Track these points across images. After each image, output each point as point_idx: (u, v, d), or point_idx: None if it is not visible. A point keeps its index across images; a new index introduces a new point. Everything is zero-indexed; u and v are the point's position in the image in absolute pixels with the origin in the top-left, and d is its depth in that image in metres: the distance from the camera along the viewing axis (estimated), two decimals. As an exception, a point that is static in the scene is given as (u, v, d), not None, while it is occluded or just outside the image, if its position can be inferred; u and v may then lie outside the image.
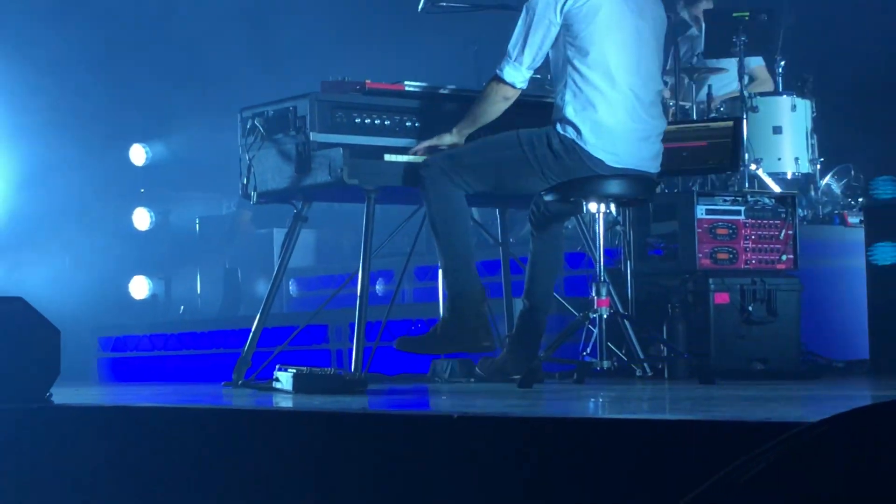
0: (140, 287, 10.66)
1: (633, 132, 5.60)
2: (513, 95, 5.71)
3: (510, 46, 5.64)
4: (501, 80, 5.67)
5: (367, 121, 6.07)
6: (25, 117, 10.08)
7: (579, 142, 5.55)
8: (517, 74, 5.65)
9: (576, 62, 5.55)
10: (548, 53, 5.65)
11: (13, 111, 10.13)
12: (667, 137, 5.87)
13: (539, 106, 6.03)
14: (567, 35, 5.56)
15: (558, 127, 5.59)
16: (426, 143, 5.87)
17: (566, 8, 5.52)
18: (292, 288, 9.61)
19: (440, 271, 5.90)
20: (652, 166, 5.72)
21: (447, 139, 5.84)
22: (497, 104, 5.72)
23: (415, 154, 5.87)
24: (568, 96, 5.58)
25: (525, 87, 5.73)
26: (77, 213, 10.44)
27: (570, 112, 5.56)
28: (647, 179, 5.71)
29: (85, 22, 10.07)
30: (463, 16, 6.79)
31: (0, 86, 10.02)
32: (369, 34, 10.28)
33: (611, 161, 5.57)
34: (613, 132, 5.55)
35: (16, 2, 9.99)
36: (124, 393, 6.37)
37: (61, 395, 4.65)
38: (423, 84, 6.19)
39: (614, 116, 5.55)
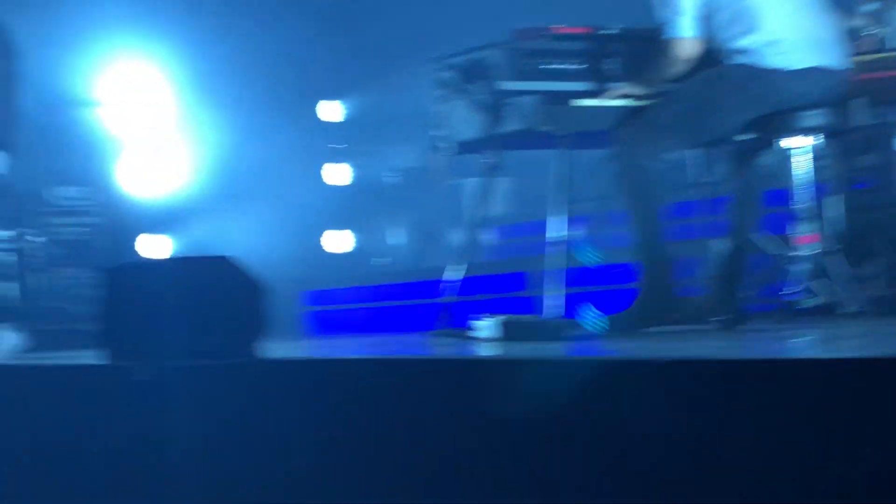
0: (337, 240, 10.82)
1: (804, 26, 5.63)
2: (694, 46, 5.67)
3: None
4: (677, 38, 5.63)
5: (557, 66, 6.02)
6: (222, 81, 10.31)
7: (755, 62, 5.49)
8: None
9: None
10: None
11: (212, 76, 10.37)
12: (872, 66, 5.72)
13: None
14: None
15: (734, 59, 5.54)
16: (618, 91, 5.82)
17: None
18: (490, 236, 9.63)
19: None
20: (835, 59, 5.63)
21: (629, 89, 5.79)
22: (680, 59, 5.68)
23: (608, 98, 5.82)
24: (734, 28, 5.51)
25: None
26: (275, 170, 10.64)
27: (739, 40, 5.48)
28: (834, 77, 5.60)
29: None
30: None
31: (196, 51, 10.26)
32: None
33: (791, 63, 5.51)
34: (781, 36, 5.52)
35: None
36: (330, 346, 6.48)
37: (269, 350, 4.74)
38: (616, 26, 6.12)
39: (780, 23, 5.52)
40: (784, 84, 5.52)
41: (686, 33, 5.63)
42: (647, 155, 5.60)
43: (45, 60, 9.84)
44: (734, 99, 5.54)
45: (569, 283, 6.23)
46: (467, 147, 6.25)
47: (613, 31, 6.09)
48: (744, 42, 5.56)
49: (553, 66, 6.01)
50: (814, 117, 5.48)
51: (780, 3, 5.57)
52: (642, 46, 6.04)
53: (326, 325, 9.25)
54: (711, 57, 5.84)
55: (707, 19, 5.73)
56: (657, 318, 5.60)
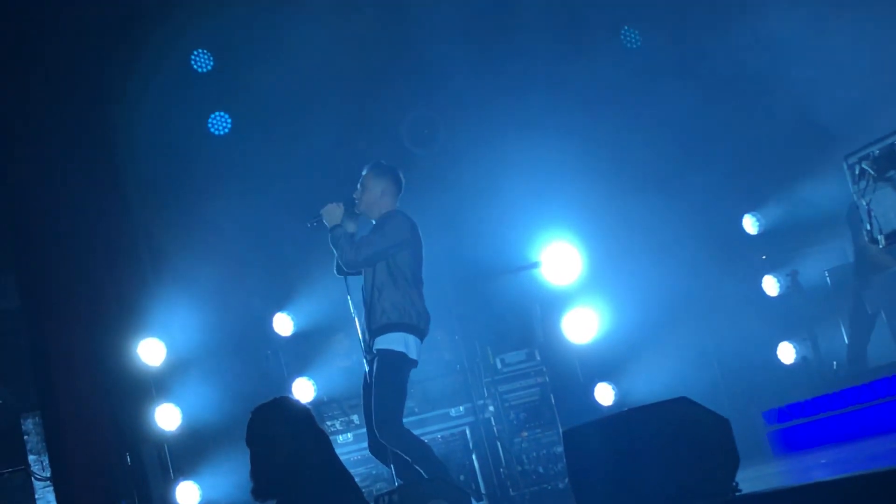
0: (788, 352, 10.63)
1: None
2: None
3: None
4: None
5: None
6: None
7: None
8: None
9: None
10: None
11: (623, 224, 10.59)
12: None
13: None
14: None
15: None
16: None
17: None
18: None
19: None
20: None
21: None
22: None
23: None
24: None
25: None
26: (706, 295, 10.63)
27: None
28: None
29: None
30: None
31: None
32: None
33: None
34: None
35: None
36: (802, 467, 6.30)
37: (745, 481, 4.68)
38: None
39: None
40: None
41: None
42: None
43: (484, 235, 10.37)
44: None
45: None
46: (903, 235, 6.05)
47: None
48: None
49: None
50: None
51: None
52: None
53: (794, 440, 9.02)
54: None
55: None
56: None
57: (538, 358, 10.32)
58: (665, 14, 10.84)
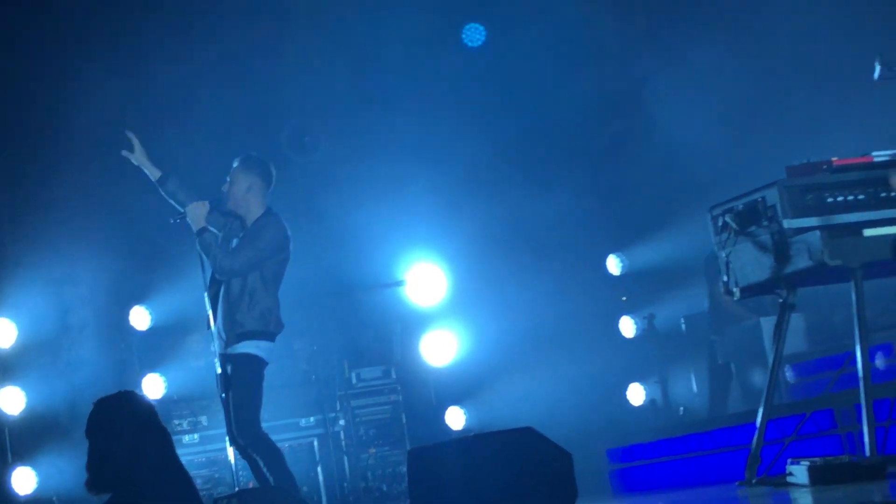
0: (637, 394, 10.79)
1: None
2: None
3: None
4: None
5: (840, 198, 5.93)
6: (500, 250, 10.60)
7: None
8: None
9: None
10: None
11: (490, 251, 10.68)
12: None
13: None
14: None
15: None
16: None
17: None
18: (789, 375, 9.42)
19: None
20: None
21: None
22: None
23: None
24: None
25: None
26: (564, 331, 10.75)
27: None
28: None
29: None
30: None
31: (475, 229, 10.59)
32: (821, 110, 10.08)
33: None
34: None
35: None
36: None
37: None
38: (893, 151, 6.00)
39: None
40: None
41: None
42: None
43: (351, 248, 10.34)
44: None
45: (880, 417, 6.04)
46: (756, 289, 6.19)
47: (894, 158, 5.96)
48: None
49: (836, 199, 5.91)
50: None
51: None
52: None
53: (634, 481, 9.16)
54: None
55: None
56: None
57: (394, 376, 10.34)
58: (534, 48, 10.94)
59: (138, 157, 7.60)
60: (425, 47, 10.83)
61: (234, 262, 7.35)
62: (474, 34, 10.97)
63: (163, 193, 7.62)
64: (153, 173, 7.61)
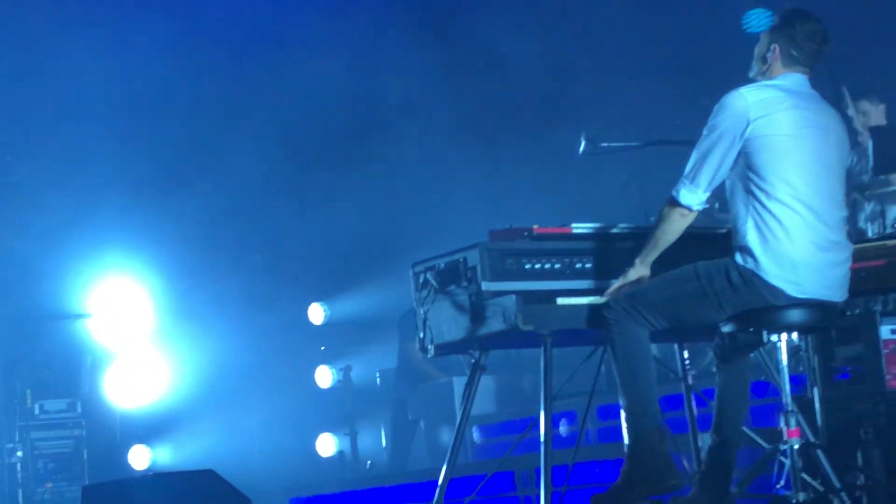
0: (327, 444, 10.78)
1: (819, 260, 5.46)
2: (690, 217, 5.64)
3: (687, 168, 5.56)
4: (678, 203, 5.60)
5: (538, 266, 6.06)
6: (206, 290, 10.45)
7: (759, 272, 5.43)
8: (693, 197, 5.57)
9: (756, 189, 5.46)
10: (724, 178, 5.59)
11: (194, 284, 10.50)
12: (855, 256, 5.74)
13: (712, 238, 5.98)
14: (747, 160, 5.48)
15: (738, 257, 5.48)
16: (616, 284, 5.79)
17: (748, 133, 5.44)
18: (476, 435, 9.59)
19: (622, 411, 5.82)
20: (838, 294, 5.57)
21: (632, 273, 5.76)
22: (675, 224, 5.63)
23: (609, 296, 5.80)
24: (749, 224, 5.48)
25: (701, 210, 5.66)
26: (261, 375, 10.70)
27: (751, 241, 5.44)
28: (829, 307, 5.57)
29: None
30: (624, 154, 6.81)
31: (178, 265, 10.43)
32: (532, 181, 10.40)
33: (793, 291, 5.44)
34: (796, 262, 5.42)
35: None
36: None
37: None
38: (591, 225, 6.18)
39: (797, 245, 5.42)
40: (782, 309, 5.45)
41: (694, 207, 5.57)
42: (638, 324, 5.60)
43: (35, 274, 9.99)
44: (726, 297, 5.50)
45: (557, 482, 6.19)
46: (450, 348, 6.27)
47: (590, 231, 6.15)
48: (757, 249, 5.39)
49: (533, 266, 6.05)
50: (796, 315, 5.49)
51: (806, 225, 5.36)
52: (619, 243, 6.11)
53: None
54: (709, 243, 5.85)
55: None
56: (653, 486, 5.52)
57: (79, 410, 10.07)
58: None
59: None
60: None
61: None
62: None
63: None
64: None
